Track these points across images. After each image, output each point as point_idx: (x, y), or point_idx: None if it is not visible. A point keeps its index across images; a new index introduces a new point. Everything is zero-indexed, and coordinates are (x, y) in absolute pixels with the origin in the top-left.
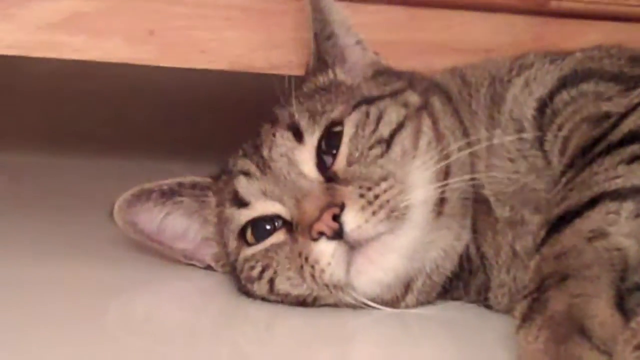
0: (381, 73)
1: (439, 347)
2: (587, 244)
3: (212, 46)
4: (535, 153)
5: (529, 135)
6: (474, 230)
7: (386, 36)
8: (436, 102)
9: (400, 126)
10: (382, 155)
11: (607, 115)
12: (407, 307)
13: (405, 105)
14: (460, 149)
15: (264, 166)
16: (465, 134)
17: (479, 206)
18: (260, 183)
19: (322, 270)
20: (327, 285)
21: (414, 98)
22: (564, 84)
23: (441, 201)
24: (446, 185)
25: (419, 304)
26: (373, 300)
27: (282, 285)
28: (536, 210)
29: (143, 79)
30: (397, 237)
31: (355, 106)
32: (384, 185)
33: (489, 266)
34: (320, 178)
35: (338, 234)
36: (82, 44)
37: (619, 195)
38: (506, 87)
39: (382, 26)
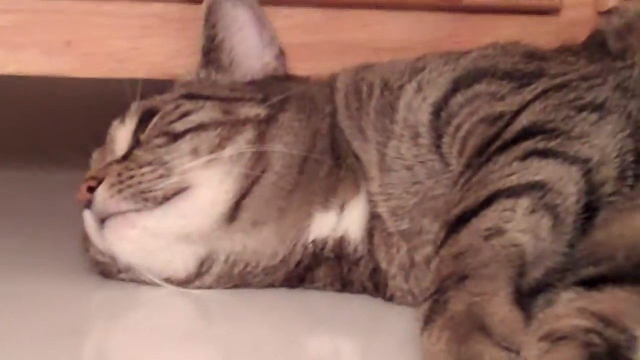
0: (258, 81)
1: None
2: (484, 242)
3: (129, 55)
4: (432, 157)
5: (425, 140)
6: (370, 242)
7: (304, 38)
8: (283, 121)
9: (201, 127)
10: (162, 146)
11: (502, 115)
12: (204, 287)
13: (227, 112)
14: (286, 163)
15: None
16: (334, 148)
17: (374, 222)
18: (97, 153)
19: (90, 237)
20: (102, 253)
21: (251, 110)
22: (457, 86)
23: (237, 207)
24: (245, 194)
25: (244, 284)
26: (165, 277)
27: (92, 254)
28: (436, 218)
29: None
30: (143, 216)
31: (178, 98)
32: (145, 169)
33: (383, 272)
34: (119, 155)
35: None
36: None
37: (513, 192)
38: (397, 94)
39: (299, 29)
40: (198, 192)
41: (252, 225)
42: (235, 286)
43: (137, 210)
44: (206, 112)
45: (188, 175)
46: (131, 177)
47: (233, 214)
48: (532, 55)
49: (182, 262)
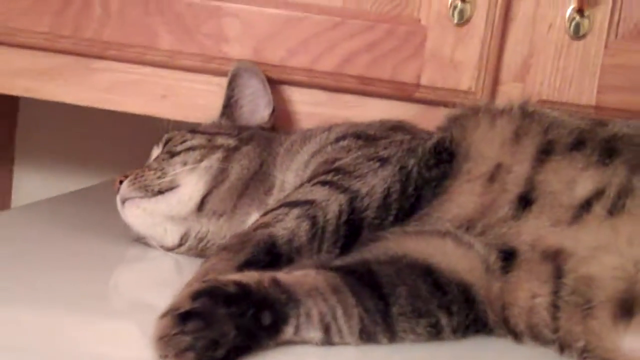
0: (244, 126)
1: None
2: (253, 231)
3: (200, 107)
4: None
5: (302, 172)
6: None
7: (311, 110)
8: (244, 150)
9: (190, 149)
10: (164, 160)
11: (336, 160)
12: (180, 253)
13: (209, 140)
14: (238, 176)
15: None
16: (263, 172)
17: None
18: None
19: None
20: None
21: (225, 141)
22: (333, 140)
23: (203, 201)
24: (209, 193)
25: (202, 255)
26: (160, 244)
27: None
28: None
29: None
30: (144, 201)
31: (184, 133)
32: (150, 172)
33: None
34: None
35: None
36: (123, 101)
37: (292, 203)
38: (303, 144)
39: (308, 103)
40: (181, 190)
41: (213, 214)
42: (199, 256)
43: (140, 197)
44: (196, 140)
45: (177, 177)
46: (142, 176)
47: (201, 205)
48: (394, 128)
49: (170, 235)
